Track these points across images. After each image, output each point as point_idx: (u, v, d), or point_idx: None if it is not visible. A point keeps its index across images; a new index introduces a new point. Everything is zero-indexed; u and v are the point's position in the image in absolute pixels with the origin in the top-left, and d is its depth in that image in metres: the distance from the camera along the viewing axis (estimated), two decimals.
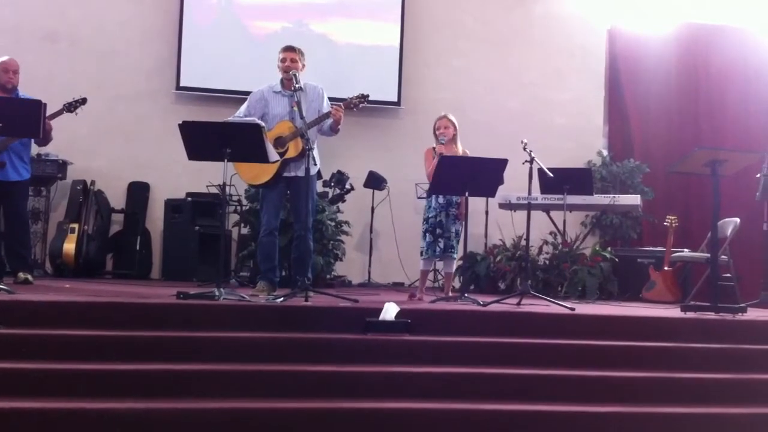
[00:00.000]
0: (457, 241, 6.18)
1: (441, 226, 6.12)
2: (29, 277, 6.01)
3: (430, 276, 7.81)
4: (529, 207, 5.99)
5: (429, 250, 6.16)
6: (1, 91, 5.92)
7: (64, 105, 6.00)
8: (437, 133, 6.18)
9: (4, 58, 6.03)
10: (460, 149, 6.19)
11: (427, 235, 6.17)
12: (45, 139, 5.96)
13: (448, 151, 6.03)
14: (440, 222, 6.12)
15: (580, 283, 7.17)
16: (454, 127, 6.20)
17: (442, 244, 6.10)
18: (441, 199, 6.14)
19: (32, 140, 6.05)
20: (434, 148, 6.16)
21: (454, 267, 6.49)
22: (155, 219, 8.49)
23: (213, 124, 5.45)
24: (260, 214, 6.06)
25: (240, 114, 5.85)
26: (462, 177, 5.74)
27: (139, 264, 8.18)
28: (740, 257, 7.57)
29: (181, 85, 8.58)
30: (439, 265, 7.37)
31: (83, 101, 6.07)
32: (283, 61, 5.78)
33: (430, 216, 6.19)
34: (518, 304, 5.48)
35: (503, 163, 5.75)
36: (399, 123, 8.97)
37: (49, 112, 5.74)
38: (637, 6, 9.48)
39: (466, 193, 5.83)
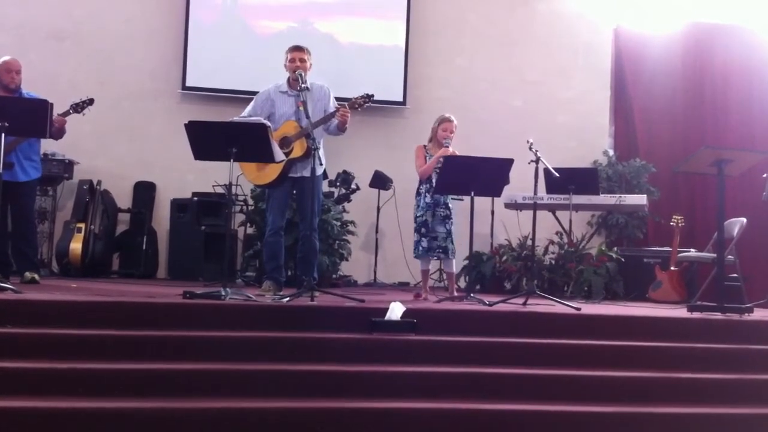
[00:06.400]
0: (451, 242, 6.19)
1: (425, 226, 6.17)
2: (36, 276, 6.02)
3: (436, 276, 7.81)
4: (534, 207, 5.98)
5: (417, 249, 6.24)
6: (4, 91, 5.92)
7: (72, 106, 6.00)
8: (441, 134, 6.18)
9: (6, 58, 5.99)
10: (452, 150, 6.20)
11: (415, 234, 6.26)
12: (59, 132, 5.98)
13: (444, 153, 6.06)
14: (425, 221, 6.17)
15: (585, 283, 7.16)
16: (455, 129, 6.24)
17: (425, 243, 6.14)
18: (428, 199, 6.17)
19: (39, 139, 6.06)
20: (425, 147, 6.25)
21: (454, 267, 6.49)
22: (161, 218, 8.50)
23: (219, 124, 5.45)
24: (266, 213, 6.07)
25: (246, 114, 5.85)
26: (467, 177, 5.75)
27: (146, 263, 8.20)
28: (747, 257, 7.55)
29: (187, 84, 8.59)
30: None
31: (90, 102, 6.07)
32: (291, 61, 5.78)
33: (418, 215, 6.26)
34: (524, 304, 5.47)
35: (509, 162, 5.76)
36: (404, 122, 8.97)
37: (56, 112, 5.78)
38: (642, 5, 9.46)
39: (472, 193, 5.84)
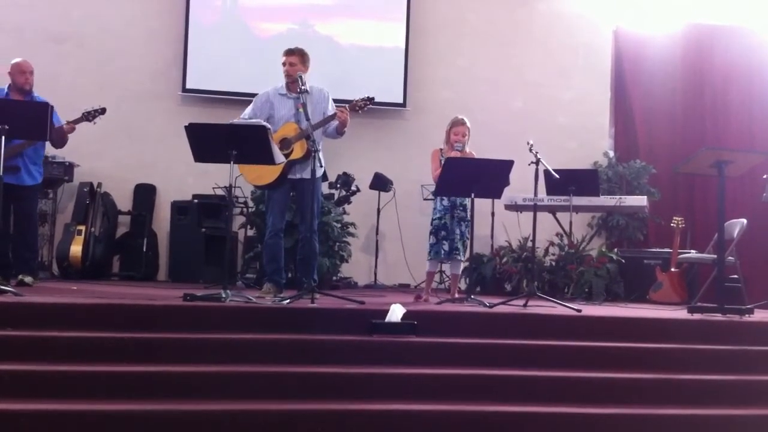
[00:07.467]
0: (463, 243, 6.17)
1: (445, 228, 6.12)
2: (26, 279, 5.96)
3: (436, 277, 7.80)
4: (535, 208, 5.98)
5: (432, 252, 6.18)
6: (18, 93, 5.91)
7: (84, 114, 6.00)
8: (453, 138, 6.13)
9: (18, 60, 5.99)
10: (468, 151, 6.18)
11: (431, 236, 6.20)
12: (61, 140, 5.99)
13: (460, 155, 6.03)
14: (444, 224, 6.12)
15: (586, 284, 7.15)
16: (468, 131, 6.19)
17: (446, 246, 6.10)
18: (445, 201, 6.14)
19: (45, 143, 6.06)
20: (441, 150, 6.19)
21: (461, 269, 6.48)
22: (162, 221, 8.51)
23: (219, 126, 5.45)
24: (266, 215, 6.07)
25: (245, 116, 5.85)
26: (468, 178, 5.74)
27: (146, 266, 8.20)
28: (747, 258, 7.54)
29: (187, 87, 8.59)
30: (446, 266, 7.36)
31: (102, 111, 6.06)
32: (283, 64, 5.80)
33: (435, 218, 6.20)
34: (525, 305, 5.47)
35: (509, 164, 5.75)
36: (404, 124, 8.97)
37: (67, 119, 5.84)
38: (642, 6, 9.46)
39: (472, 195, 5.83)
